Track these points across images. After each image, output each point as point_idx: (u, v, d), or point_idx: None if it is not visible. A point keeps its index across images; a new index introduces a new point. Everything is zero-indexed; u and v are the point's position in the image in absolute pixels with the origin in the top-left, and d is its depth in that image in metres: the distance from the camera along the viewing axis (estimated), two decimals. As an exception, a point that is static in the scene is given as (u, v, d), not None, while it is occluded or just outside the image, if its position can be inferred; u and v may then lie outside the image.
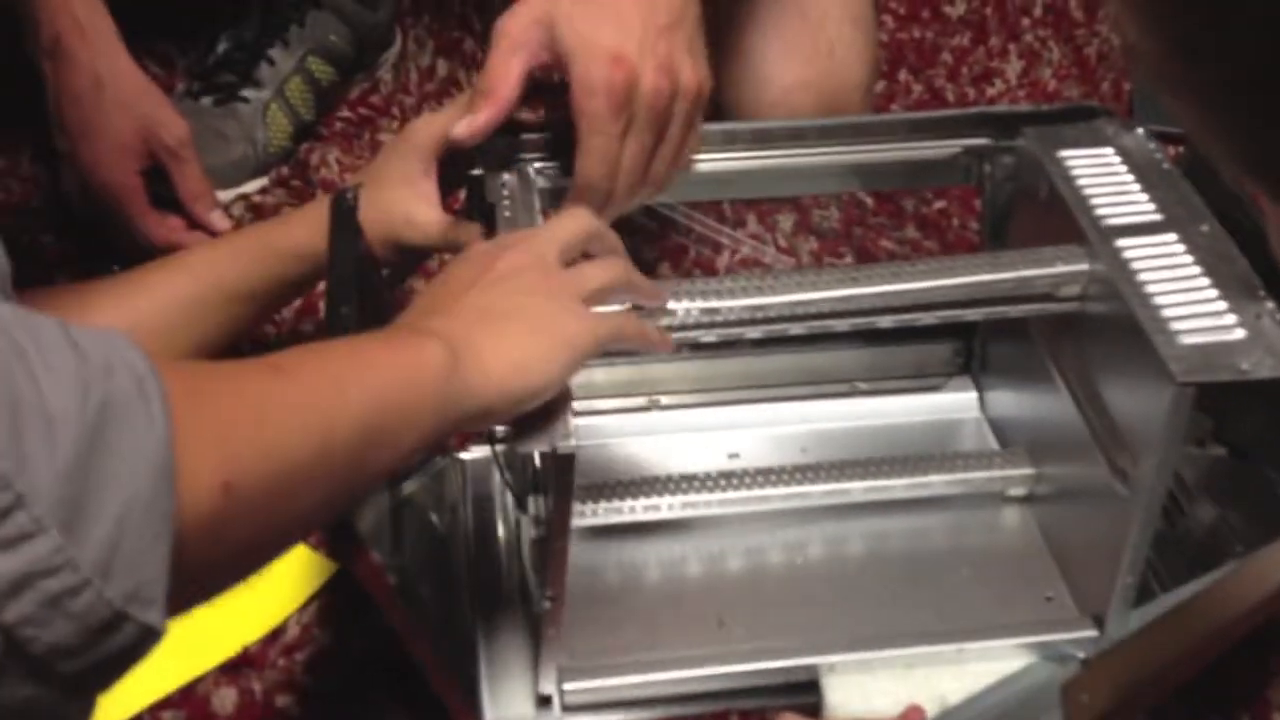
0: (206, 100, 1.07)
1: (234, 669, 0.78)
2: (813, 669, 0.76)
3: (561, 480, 0.65)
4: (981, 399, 0.94)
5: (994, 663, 0.77)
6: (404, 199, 0.80)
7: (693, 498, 0.82)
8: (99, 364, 0.41)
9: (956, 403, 0.94)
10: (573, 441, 0.62)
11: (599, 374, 0.91)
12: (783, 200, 1.09)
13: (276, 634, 0.80)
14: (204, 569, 0.46)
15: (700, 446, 0.90)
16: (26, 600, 0.38)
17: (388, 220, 0.80)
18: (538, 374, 0.61)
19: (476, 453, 0.87)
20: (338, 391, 0.52)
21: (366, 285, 0.76)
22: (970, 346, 0.94)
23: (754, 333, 0.73)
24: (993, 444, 0.91)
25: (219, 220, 0.99)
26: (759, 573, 0.84)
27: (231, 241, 0.88)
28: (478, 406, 0.59)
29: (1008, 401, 0.91)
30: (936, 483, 0.85)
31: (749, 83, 1.05)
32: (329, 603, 0.81)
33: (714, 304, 0.71)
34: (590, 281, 0.67)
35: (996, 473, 0.85)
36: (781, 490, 0.83)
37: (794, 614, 0.81)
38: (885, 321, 0.74)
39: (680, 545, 0.84)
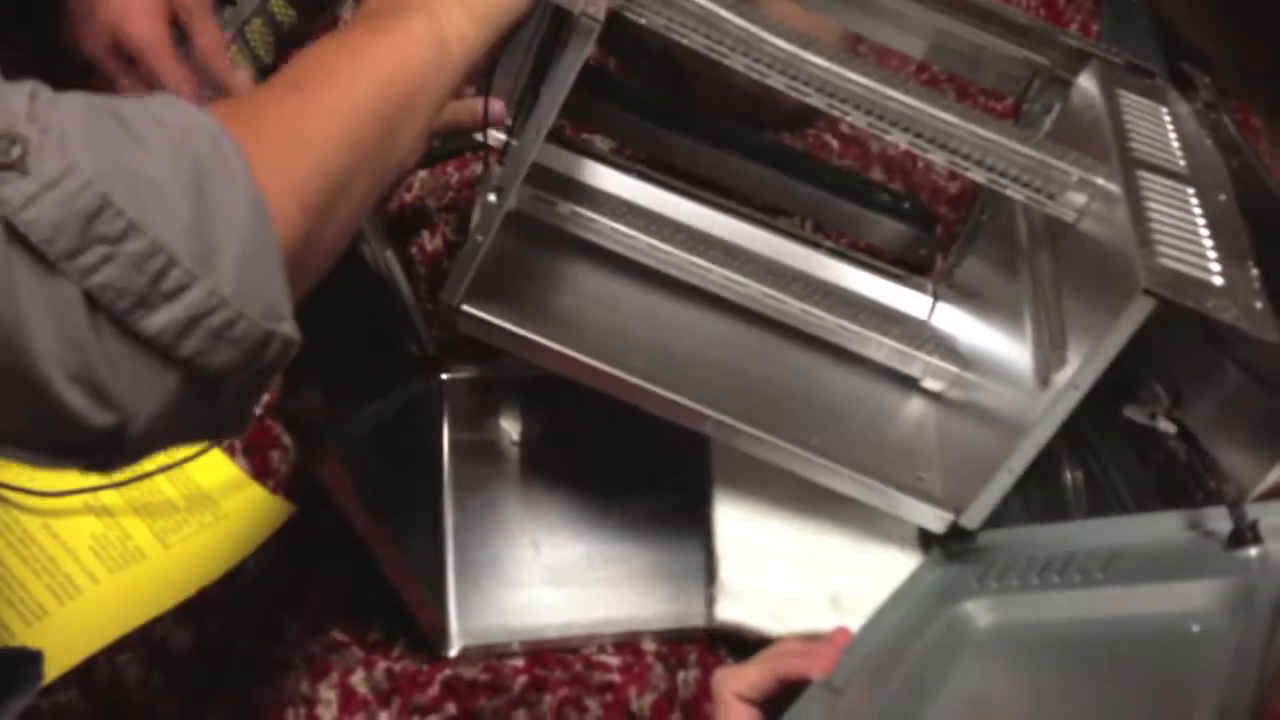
0: None
1: (191, 611, 0.77)
2: (693, 415, 0.77)
3: (574, 49, 0.66)
4: (934, 307, 0.95)
5: (884, 555, 0.81)
6: None
7: (631, 231, 0.86)
8: (178, 129, 0.47)
9: (910, 299, 0.95)
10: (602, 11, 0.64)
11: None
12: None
13: (234, 576, 0.79)
14: (301, 282, 0.52)
15: (663, 219, 0.92)
16: (196, 337, 0.46)
17: None
18: None
19: (458, 374, 0.88)
20: (352, 93, 0.56)
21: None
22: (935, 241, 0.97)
23: (736, 62, 0.72)
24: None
25: (242, 78, 0.93)
26: (678, 338, 0.85)
27: None
28: (470, 52, 0.62)
29: (957, 318, 0.92)
30: (868, 337, 0.87)
31: None
32: (287, 545, 0.81)
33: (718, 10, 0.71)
34: None
35: (924, 356, 0.87)
36: (720, 270, 0.86)
37: (691, 374, 0.81)
38: (899, 137, 0.74)
39: (615, 285, 0.86)
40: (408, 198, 0.97)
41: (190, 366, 0.47)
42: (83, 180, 0.44)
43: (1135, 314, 0.66)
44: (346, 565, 0.80)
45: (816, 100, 0.73)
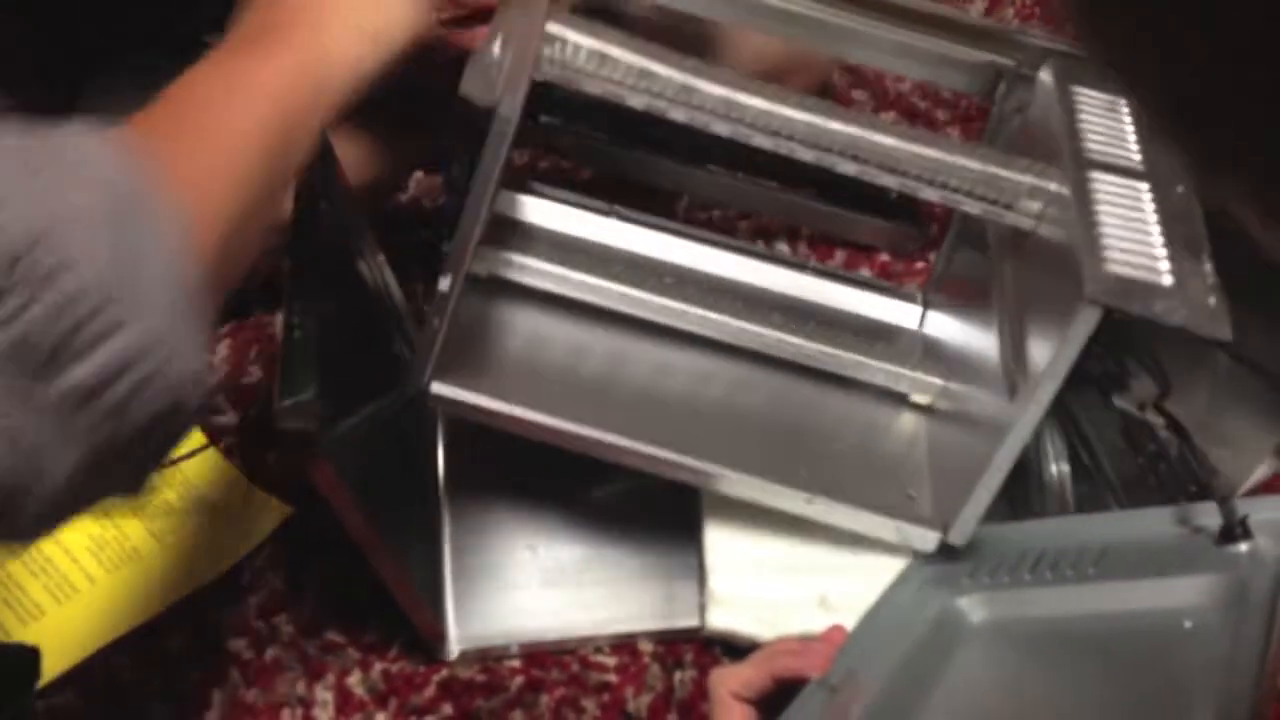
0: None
1: (188, 613, 0.78)
2: (675, 468, 0.77)
3: (492, 147, 0.65)
4: (924, 316, 0.95)
5: (871, 555, 0.81)
6: None
7: (600, 281, 0.85)
8: (101, 168, 0.46)
9: (900, 311, 0.95)
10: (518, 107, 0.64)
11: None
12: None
13: (230, 577, 0.80)
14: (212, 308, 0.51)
15: (637, 262, 0.91)
16: (124, 382, 0.44)
17: None
18: (395, 9, 0.63)
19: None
20: (238, 125, 0.55)
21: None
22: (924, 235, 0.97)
23: (678, 114, 0.71)
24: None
25: None
26: (654, 383, 0.84)
27: None
28: (359, 70, 0.61)
29: (947, 325, 0.92)
30: (846, 359, 0.87)
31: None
32: (282, 546, 0.81)
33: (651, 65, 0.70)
34: None
35: (909, 371, 0.87)
36: (696, 309, 0.85)
37: (673, 420, 0.81)
38: (848, 167, 0.73)
39: (590, 335, 0.85)
40: (403, 198, 0.97)
41: (115, 414, 0.44)
42: None
43: (1084, 324, 0.66)
44: (343, 566, 0.80)
45: (761, 140, 0.73)
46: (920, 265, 1.02)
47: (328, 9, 0.62)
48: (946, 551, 0.80)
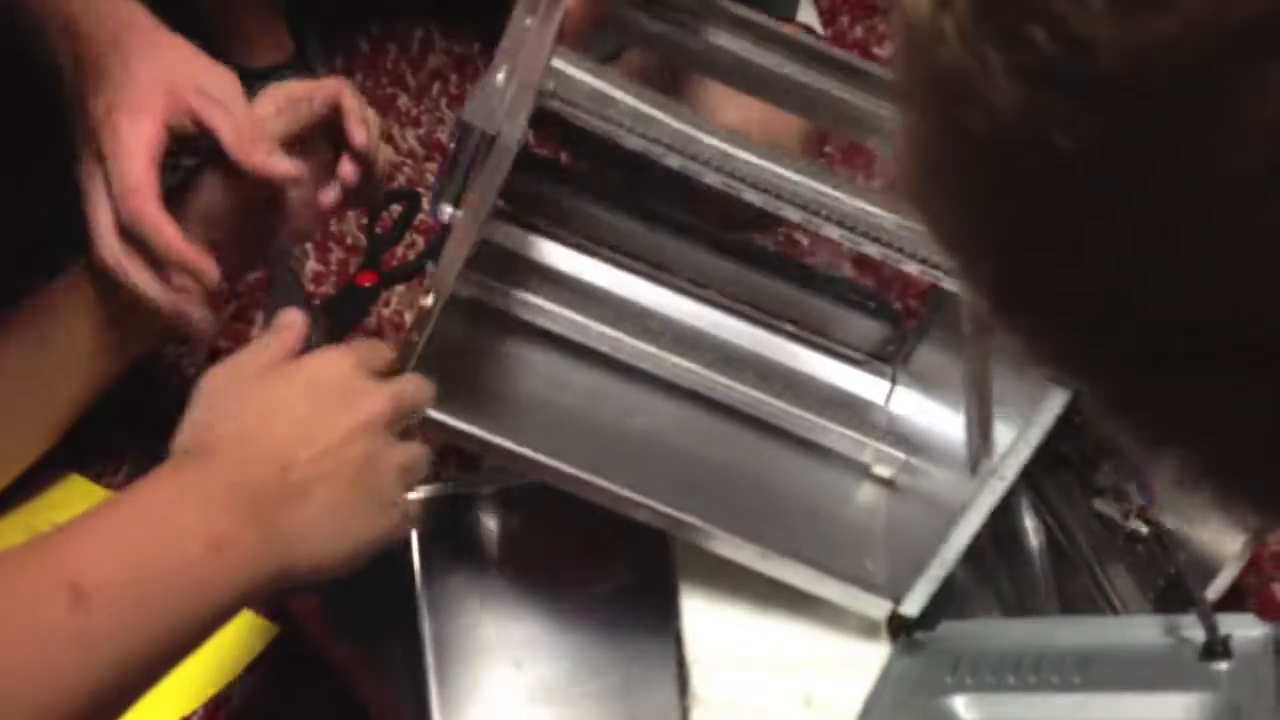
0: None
1: (173, 742, 0.77)
2: (631, 505, 0.76)
3: (492, 168, 0.65)
4: (892, 391, 0.95)
5: (855, 649, 0.80)
6: None
7: (584, 320, 0.85)
8: None
9: (868, 384, 0.95)
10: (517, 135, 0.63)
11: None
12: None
13: (219, 704, 0.79)
14: None
15: (624, 305, 0.91)
16: None
17: None
18: (344, 565, 0.61)
19: (422, 492, 0.85)
20: (140, 624, 0.49)
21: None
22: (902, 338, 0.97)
23: (672, 161, 0.72)
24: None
25: (282, 164, 0.76)
26: (629, 422, 0.85)
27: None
28: (279, 585, 0.58)
29: (914, 402, 0.93)
30: (813, 423, 0.87)
31: None
32: (271, 670, 0.81)
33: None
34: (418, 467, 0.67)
35: (874, 443, 0.88)
36: (673, 358, 0.86)
37: (641, 461, 0.82)
38: (832, 231, 0.74)
39: (570, 369, 0.86)
40: (385, 312, 0.97)
41: None
42: None
43: (1051, 406, 0.67)
44: (330, 690, 0.80)
45: (751, 196, 0.74)
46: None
47: (303, 540, 0.59)
48: (919, 637, 0.80)
